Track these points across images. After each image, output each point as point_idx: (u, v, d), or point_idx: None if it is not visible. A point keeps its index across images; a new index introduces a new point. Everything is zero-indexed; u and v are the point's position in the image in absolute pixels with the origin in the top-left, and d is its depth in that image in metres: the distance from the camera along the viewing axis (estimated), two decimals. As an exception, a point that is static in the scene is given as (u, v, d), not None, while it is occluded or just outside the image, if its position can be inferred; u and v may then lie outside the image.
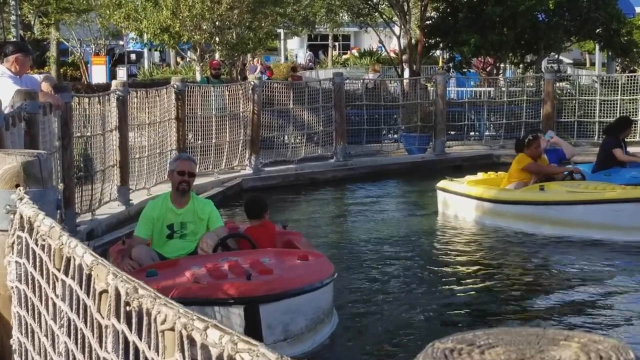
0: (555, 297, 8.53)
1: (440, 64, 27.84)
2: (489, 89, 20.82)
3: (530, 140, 11.52)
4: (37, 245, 2.50)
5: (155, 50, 36.19)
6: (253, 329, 5.86)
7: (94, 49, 31.87)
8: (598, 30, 22.69)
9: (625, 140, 13.22)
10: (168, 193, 7.44)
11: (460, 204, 12.07)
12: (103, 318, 1.91)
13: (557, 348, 1.02)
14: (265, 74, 23.28)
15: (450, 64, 23.28)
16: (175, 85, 14.20)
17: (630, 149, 13.81)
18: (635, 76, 19.73)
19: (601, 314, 7.86)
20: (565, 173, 11.80)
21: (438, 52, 27.91)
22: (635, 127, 18.27)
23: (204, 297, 5.98)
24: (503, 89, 20.09)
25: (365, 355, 6.90)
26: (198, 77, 19.88)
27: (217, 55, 20.76)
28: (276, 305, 6.14)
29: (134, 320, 1.71)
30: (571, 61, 40.60)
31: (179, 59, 35.81)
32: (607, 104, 18.85)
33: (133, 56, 37.71)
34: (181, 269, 6.50)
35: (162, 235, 7.24)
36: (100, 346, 1.95)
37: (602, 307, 8.06)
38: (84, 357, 2.09)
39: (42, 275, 2.47)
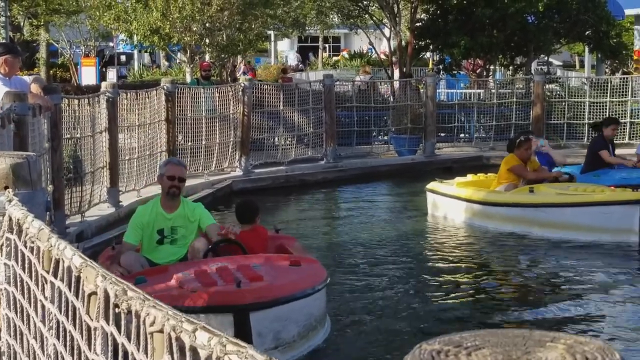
0: (543, 298, 8.55)
1: (430, 65, 27.89)
2: (479, 90, 20.87)
3: (522, 142, 11.50)
4: (25, 247, 2.50)
5: (145, 51, 36.15)
6: (243, 337, 5.76)
7: (83, 51, 31.80)
8: (587, 32, 22.76)
9: (614, 141, 13.27)
10: (158, 198, 7.31)
11: (450, 206, 12.09)
12: (92, 320, 1.91)
13: (543, 349, 1.02)
14: (248, 74, 23.32)
15: (440, 66, 23.31)
16: (165, 87, 14.19)
17: (620, 151, 13.87)
18: (624, 78, 19.80)
19: (588, 315, 7.88)
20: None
21: (428, 54, 27.96)
22: (624, 129, 18.35)
23: (192, 304, 5.86)
24: (493, 90, 20.13)
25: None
26: (188, 79, 19.86)
27: (207, 57, 20.75)
28: (266, 312, 6.03)
29: (122, 322, 1.71)
30: (561, 63, 40.72)
31: (164, 61, 35.75)
32: (597, 106, 18.92)
33: (123, 58, 37.64)
34: (170, 276, 6.37)
35: (152, 240, 7.12)
36: (89, 348, 1.95)
37: (589, 309, 8.08)
38: (73, 359, 2.09)
39: (30, 277, 2.47)
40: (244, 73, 24.70)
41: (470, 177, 12.75)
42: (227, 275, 6.21)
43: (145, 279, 6.25)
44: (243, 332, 5.83)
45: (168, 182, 7.14)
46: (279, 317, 6.16)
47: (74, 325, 2.07)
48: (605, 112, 18.46)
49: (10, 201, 2.80)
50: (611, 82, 19.31)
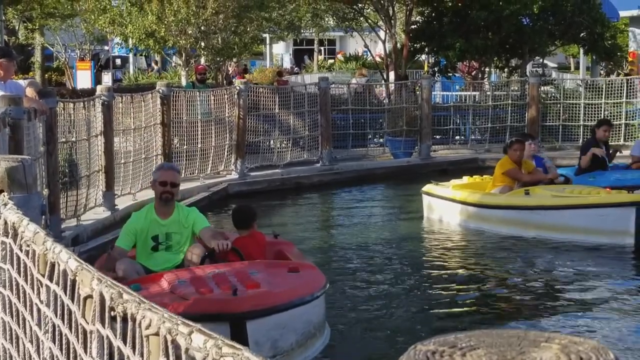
0: (537, 299, 8.56)
1: (426, 68, 27.91)
2: (474, 93, 20.88)
3: (512, 142, 11.57)
4: (21, 251, 2.50)
5: (141, 55, 36.15)
6: None
7: (78, 54, 31.79)
8: (582, 34, 22.80)
9: (608, 143, 13.28)
10: (152, 204, 7.18)
11: (445, 208, 12.09)
12: (88, 323, 1.91)
13: (537, 350, 1.02)
14: (236, 77, 23.35)
15: (436, 68, 23.33)
16: (160, 90, 14.19)
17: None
18: (619, 80, 19.83)
19: (582, 316, 7.89)
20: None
21: (423, 57, 27.97)
22: (619, 130, 18.38)
23: (188, 313, 5.77)
24: (488, 93, 20.15)
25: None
26: (183, 82, 19.86)
27: (202, 60, 20.75)
28: (264, 321, 5.91)
29: (118, 326, 1.71)
30: (556, 65, 40.78)
31: (153, 64, 35.73)
32: (592, 108, 18.95)
33: (118, 61, 37.65)
34: (166, 283, 6.26)
35: (147, 247, 7.01)
36: (85, 352, 1.95)
37: (584, 309, 8.10)
38: (69, 362, 2.09)
39: (26, 281, 2.47)
40: (233, 76, 24.75)
41: (466, 179, 12.76)
42: (223, 283, 6.09)
43: (140, 287, 6.10)
44: (239, 341, 5.69)
45: (160, 187, 7.03)
46: (276, 325, 6.03)
47: (70, 329, 2.07)
48: (600, 113, 18.50)
49: (5, 205, 2.79)
50: (608, 84, 19.32)
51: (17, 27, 28.57)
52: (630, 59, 27.72)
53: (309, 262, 7.38)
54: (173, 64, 26.70)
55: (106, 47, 35.29)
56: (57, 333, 2.18)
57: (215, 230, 7.38)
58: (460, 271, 9.70)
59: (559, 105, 19.25)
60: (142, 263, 6.96)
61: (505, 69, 23.70)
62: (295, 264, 6.92)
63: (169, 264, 6.96)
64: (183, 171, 14.68)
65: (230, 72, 26.78)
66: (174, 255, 7.02)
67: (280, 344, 6.13)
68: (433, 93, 20.37)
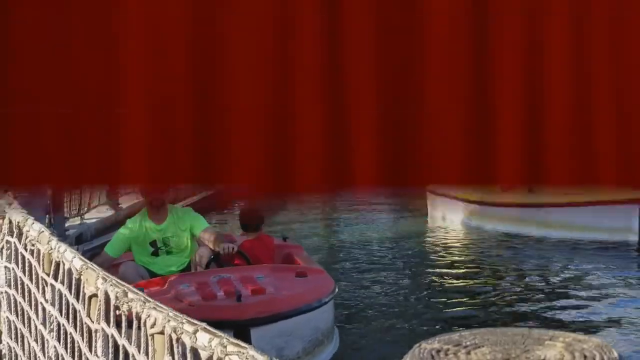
0: (541, 297, 8.56)
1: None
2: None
3: None
4: (26, 250, 2.51)
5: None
6: None
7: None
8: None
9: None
10: (145, 209, 7.01)
11: (449, 206, 12.09)
12: (93, 322, 1.91)
13: (542, 348, 1.03)
14: None
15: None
16: (163, 89, 14.18)
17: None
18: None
19: (586, 313, 7.89)
20: None
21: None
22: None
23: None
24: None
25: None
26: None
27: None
28: (268, 328, 5.75)
29: (123, 324, 1.72)
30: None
31: None
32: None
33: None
34: (169, 288, 6.12)
35: (147, 252, 6.90)
36: (90, 350, 1.95)
37: (588, 307, 8.10)
38: (74, 361, 2.09)
39: (31, 280, 2.48)
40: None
41: (469, 177, 12.75)
42: (228, 288, 5.95)
43: (143, 291, 5.96)
44: None
45: (148, 195, 6.94)
46: (282, 332, 5.88)
47: (75, 328, 2.07)
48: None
49: (10, 204, 2.80)
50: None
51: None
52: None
53: (317, 266, 7.20)
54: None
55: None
56: (62, 332, 2.18)
57: (218, 232, 7.23)
58: (465, 269, 9.70)
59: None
60: (146, 267, 6.88)
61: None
62: (303, 268, 6.76)
63: (173, 267, 6.87)
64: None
65: None
66: (177, 259, 6.92)
67: (286, 352, 5.96)
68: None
